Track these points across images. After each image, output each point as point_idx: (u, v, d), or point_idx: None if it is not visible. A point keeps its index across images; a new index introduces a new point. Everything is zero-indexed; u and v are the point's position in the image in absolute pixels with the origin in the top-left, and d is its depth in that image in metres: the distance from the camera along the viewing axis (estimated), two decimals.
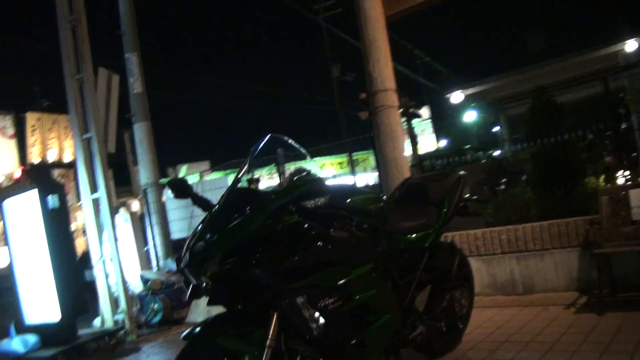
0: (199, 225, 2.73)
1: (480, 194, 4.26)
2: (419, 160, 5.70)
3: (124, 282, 6.66)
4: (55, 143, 27.62)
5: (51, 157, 26.44)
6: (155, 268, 8.56)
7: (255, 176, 2.99)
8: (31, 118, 24.31)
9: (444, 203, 3.72)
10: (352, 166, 17.10)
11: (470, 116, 19.48)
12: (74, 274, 6.22)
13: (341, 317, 2.72)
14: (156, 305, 7.11)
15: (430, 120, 26.77)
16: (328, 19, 23.38)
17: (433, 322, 3.48)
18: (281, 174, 7.18)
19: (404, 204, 3.81)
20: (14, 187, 6.51)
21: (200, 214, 7.11)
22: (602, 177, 6.00)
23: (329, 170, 22.41)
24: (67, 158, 26.77)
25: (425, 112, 25.36)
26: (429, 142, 26.54)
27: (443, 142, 27.27)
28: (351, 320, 2.82)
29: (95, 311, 6.83)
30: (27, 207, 6.25)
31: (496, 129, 18.97)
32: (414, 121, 14.26)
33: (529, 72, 14.50)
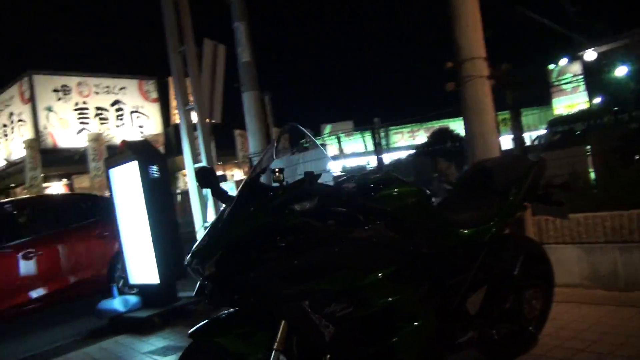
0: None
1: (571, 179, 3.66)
2: (520, 138, 5.05)
3: None
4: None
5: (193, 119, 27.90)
6: None
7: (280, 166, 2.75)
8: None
9: (509, 192, 3.25)
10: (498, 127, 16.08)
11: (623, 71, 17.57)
12: (173, 240, 6.47)
13: (353, 323, 2.50)
14: None
15: (582, 77, 24.59)
16: None
17: (487, 327, 3.09)
18: (377, 144, 6.82)
19: (466, 191, 3.40)
20: (118, 158, 6.81)
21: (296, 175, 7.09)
22: None
23: None
24: None
25: (576, 67, 23.41)
26: (581, 100, 24.48)
27: (597, 100, 25.02)
28: (374, 326, 2.59)
29: None
30: (129, 176, 6.53)
31: None
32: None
33: None
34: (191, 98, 7.27)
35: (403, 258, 2.68)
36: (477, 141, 4.51)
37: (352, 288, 2.48)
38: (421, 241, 2.79)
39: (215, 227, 2.53)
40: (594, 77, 19.84)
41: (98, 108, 25.39)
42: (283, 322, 2.39)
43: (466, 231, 3.04)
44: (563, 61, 24.64)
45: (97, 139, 22.12)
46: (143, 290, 6.64)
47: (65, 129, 23.81)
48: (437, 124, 22.12)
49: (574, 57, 23.03)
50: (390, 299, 2.59)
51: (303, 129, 2.92)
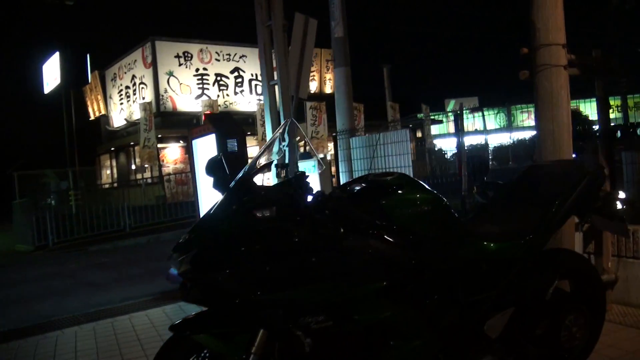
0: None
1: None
2: (608, 131, 4.52)
3: None
4: (316, 76, 29.37)
5: (312, 88, 28.15)
6: None
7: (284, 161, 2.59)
8: None
9: (553, 204, 2.87)
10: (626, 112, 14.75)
11: None
12: None
13: (337, 338, 2.35)
14: None
15: None
16: None
17: (512, 352, 2.78)
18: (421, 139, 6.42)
19: (507, 200, 3.05)
20: (201, 129, 6.94)
21: (383, 155, 6.84)
22: None
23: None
24: (328, 90, 28.34)
25: None
26: None
27: None
28: (364, 343, 2.42)
29: None
30: (210, 148, 6.65)
31: None
32: None
33: None
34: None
35: (401, 272, 2.43)
36: (546, 139, 4.04)
37: (329, 302, 2.30)
38: (429, 254, 2.52)
39: (201, 222, 2.45)
40: None
41: (218, 75, 26.17)
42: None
43: (492, 245, 2.73)
44: None
45: (211, 105, 22.82)
46: None
47: (185, 93, 24.79)
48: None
49: None
50: (378, 315, 2.38)
51: (299, 126, 2.73)
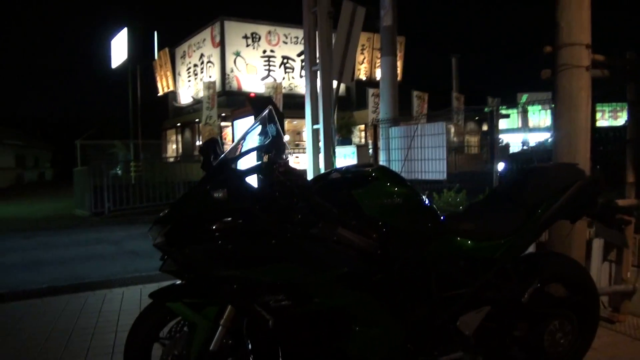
0: None
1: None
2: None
3: None
4: (367, 61, 29.16)
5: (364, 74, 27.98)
6: None
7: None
8: (362, 38, 25.91)
9: (538, 207, 2.84)
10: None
11: None
12: None
13: (298, 318, 2.47)
14: None
15: None
16: None
17: (487, 351, 2.80)
18: (493, 128, 6.32)
19: (497, 200, 3.05)
20: (242, 111, 7.11)
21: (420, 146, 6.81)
22: None
23: None
24: (378, 76, 28.17)
25: None
26: None
27: None
28: (327, 325, 2.53)
29: None
30: (248, 128, 6.80)
31: None
32: None
33: None
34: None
35: (364, 261, 2.50)
36: (562, 142, 3.95)
37: (287, 283, 2.40)
38: (398, 247, 2.57)
39: (179, 199, 2.59)
40: None
41: (284, 57, 26.45)
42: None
43: (469, 242, 2.74)
44: None
45: (276, 87, 23.11)
46: None
47: (251, 74, 25.21)
48: None
49: None
50: (338, 301, 2.47)
51: (276, 113, 2.83)
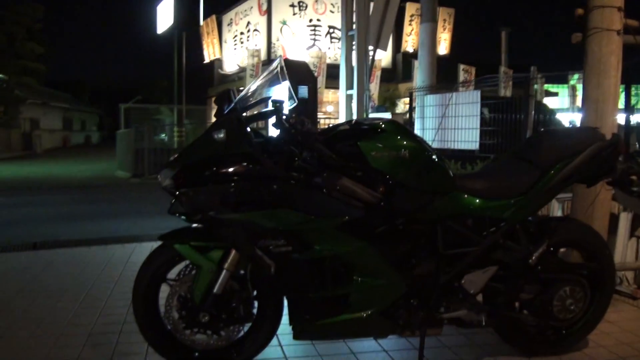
0: None
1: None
2: None
3: None
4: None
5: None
6: None
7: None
8: (410, 7, 25.50)
9: (551, 168, 2.79)
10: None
11: None
12: None
13: (300, 265, 2.52)
14: None
15: None
16: None
17: (491, 311, 2.79)
18: (530, 95, 6.15)
19: (513, 160, 2.99)
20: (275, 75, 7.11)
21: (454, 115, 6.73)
22: None
23: None
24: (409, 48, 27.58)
25: None
26: None
27: None
28: (328, 273, 2.58)
29: None
30: (282, 92, 6.83)
31: None
32: None
33: None
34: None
35: (366, 212, 2.50)
36: (589, 108, 3.84)
37: (288, 228, 2.44)
38: (403, 201, 2.56)
39: (189, 144, 2.66)
40: None
41: (330, 27, 26.20)
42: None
43: (477, 201, 2.72)
44: None
45: (321, 57, 22.99)
46: None
47: (297, 43, 25.11)
48: None
49: None
50: (338, 249, 2.50)
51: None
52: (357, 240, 2.51)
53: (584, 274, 2.98)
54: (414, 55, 26.47)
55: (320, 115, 19.20)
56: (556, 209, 4.58)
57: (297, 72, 6.90)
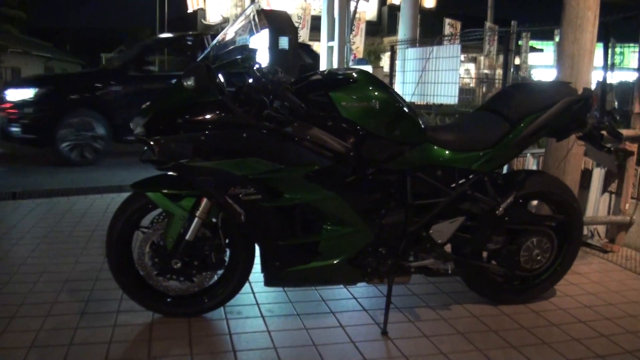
0: None
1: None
2: None
3: None
4: None
5: None
6: None
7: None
8: None
9: (521, 121, 2.82)
10: None
11: None
12: None
13: (265, 212, 2.56)
14: None
15: None
16: None
17: (457, 259, 2.87)
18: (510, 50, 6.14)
19: (484, 114, 3.02)
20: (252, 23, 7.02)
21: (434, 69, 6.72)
22: None
23: None
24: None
25: None
26: None
27: None
28: (297, 221, 2.66)
29: None
30: (262, 43, 6.76)
31: None
32: None
33: None
34: None
35: (336, 161, 2.54)
36: (565, 63, 3.85)
37: (257, 177, 2.47)
38: (372, 151, 2.59)
39: (161, 92, 2.65)
40: None
41: None
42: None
43: (447, 153, 2.76)
44: None
45: (304, 8, 22.62)
46: None
47: None
48: None
49: None
50: (307, 197, 2.54)
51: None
52: (327, 189, 2.55)
53: (552, 226, 3.05)
54: (400, 8, 26.20)
55: None
56: (531, 164, 4.64)
57: (278, 22, 6.82)
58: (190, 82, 2.40)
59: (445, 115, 7.65)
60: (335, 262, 2.65)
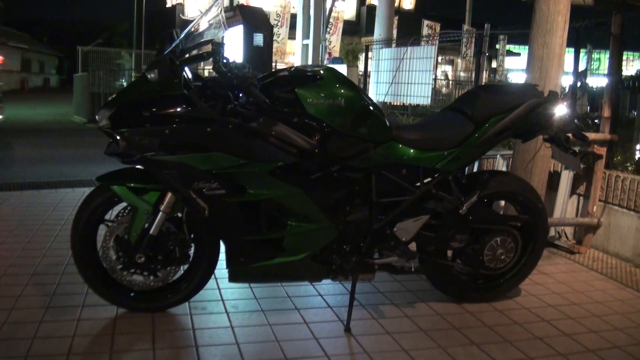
0: None
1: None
2: None
3: None
4: None
5: None
6: None
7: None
8: None
9: (486, 122, 2.86)
10: None
11: None
12: None
13: (228, 207, 2.56)
14: None
15: None
16: None
17: (420, 257, 2.90)
18: (482, 53, 6.19)
19: (451, 114, 3.06)
20: (231, 20, 7.04)
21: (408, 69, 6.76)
22: None
23: None
24: None
25: None
26: None
27: None
28: (261, 217, 2.66)
29: None
30: (237, 38, 6.78)
31: None
32: None
33: None
34: None
35: (301, 158, 2.55)
36: (534, 66, 3.90)
37: (221, 172, 2.48)
38: (337, 148, 2.61)
39: (127, 85, 2.65)
40: None
41: None
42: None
43: (412, 152, 2.79)
44: None
45: (284, 5, 22.61)
46: None
47: None
48: None
49: None
50: (271, 193, 2.56)
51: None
52: (291, 185, 2.56)
53: (517, 226, 3.10)
54: None
55: (283, 66, 18.96)
56: (501, 165, 4.70)
57: (253, 19, 6.83)
58: (153, 75, 2.39)
59: (420, 116, 7.70)
60: (299, 258, 2.67)
